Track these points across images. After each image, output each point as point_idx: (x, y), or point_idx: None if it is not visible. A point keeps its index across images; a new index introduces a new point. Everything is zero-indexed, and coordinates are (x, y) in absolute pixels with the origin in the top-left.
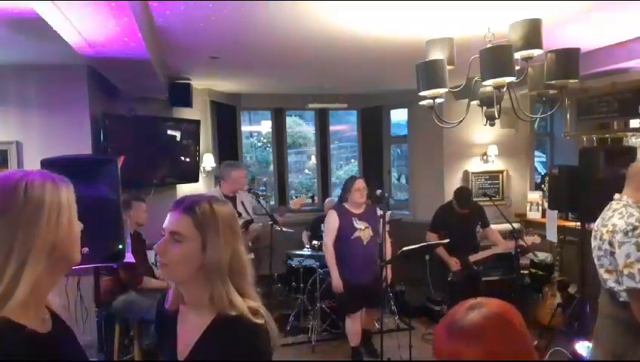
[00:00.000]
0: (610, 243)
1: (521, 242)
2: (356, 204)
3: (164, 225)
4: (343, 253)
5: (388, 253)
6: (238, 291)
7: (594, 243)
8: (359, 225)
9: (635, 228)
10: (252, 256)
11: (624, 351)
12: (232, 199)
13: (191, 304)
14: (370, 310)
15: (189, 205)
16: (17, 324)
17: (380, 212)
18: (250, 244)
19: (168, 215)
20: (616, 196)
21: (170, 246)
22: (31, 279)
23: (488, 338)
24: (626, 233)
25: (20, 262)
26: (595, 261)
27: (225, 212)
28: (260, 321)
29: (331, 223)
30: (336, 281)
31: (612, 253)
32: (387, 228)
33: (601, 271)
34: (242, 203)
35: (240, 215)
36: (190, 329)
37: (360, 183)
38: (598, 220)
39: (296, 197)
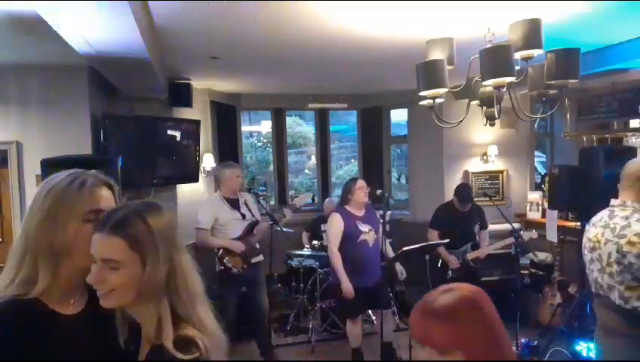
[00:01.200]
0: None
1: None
2: (359, 205)
3: (92, 251)
4: (349, 256)
5: (389, 252)
6: (180, 314)
7: (593, 254)
8: (364, 227)
9: None
10: (261, 257)
11: None
12: (235, 201)
13: (142, 328)
14: (385, 317)
15: (118, 224)
16: (40, 302)
17: (379, 212)
18: (257, 246)
19: (94, 237)
20: (616, 202)
21: (107, 274)
22: (47, 270)
23: (458, 318)
24: None
25: (33, 256)
26: (605, 278)
27: (160, 223)
28: (187, 357)
29: (335, 227)
30: (347, 286)
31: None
32: (386, 228)
33: (620, 287)
34: (246, 204)
35: (244, 216)
36: (141, 357)
37: (362, 182)
38: (597, 230)
39: (295, 197)
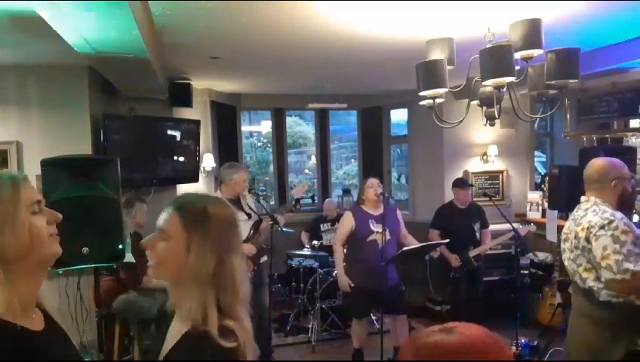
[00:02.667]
0: (587, 240)
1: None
2: (373, 203)
3: (157, 223)
4: (356, 255)
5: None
6: (222, 307)
7: (565, 245)
8: (376, 227)
9: (610, 222)
10: (266, 257)
11: (598, 349)
12: (237, 202)
13: (177, 308)
14: (398, 322)
15: (182, 203)
16: (7, 322)
17: (399, 213)
18: (264, 246)
19: (162, 213)
20: (583, 198)
21: (157, 242)
22: (8, 282)
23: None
24: (602, 226)
25: None
26: (571, 263)
27: (221, 216)
28: (229, 344)
29: (345, 225)
30: (342, 281)
31: (590, 250)
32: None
33: (579, 270)
34: (248, 204)
35: (250, 216)
36: (171, 335)
37: (372, 180)
38: (569, 223)
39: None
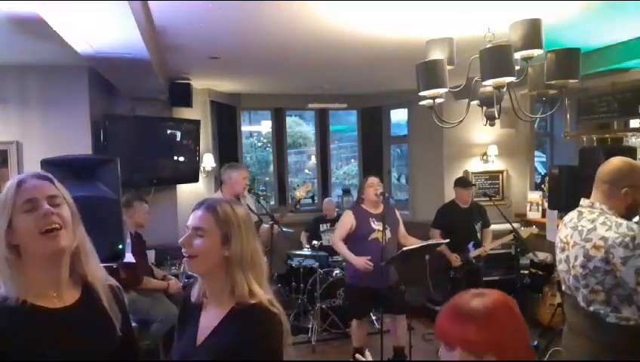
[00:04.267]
0: (607, 261)
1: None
2: (373, 203)
3: (188, 223)
4: (357, 253)
5: (415, 243)
6: (258, 283)
7: (562, 255)
8: (377, 226)
9: (633, 238)
10: (265, 259)
11: None
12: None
13: (212, 296)
14: (398, 322)
15: (211, 204)
16: (23, 301)
17: (398, 213)
18: (264, 248)
19: (191, 214)
20: (585, 202)
21: (194, 239)
22: (24, 268)
23: (495, 322)
24: (625, 246)
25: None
26: (574, 281)
27: (243, 212)
28: (275, 311)
29: (344, 223)
30: (358, 261)
31: (608, 271)
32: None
33: (584, 291)
34: (248, 205)
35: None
36: (209, 318)
37: (373, 179)
38: (569, 231)
39: (295, 188)
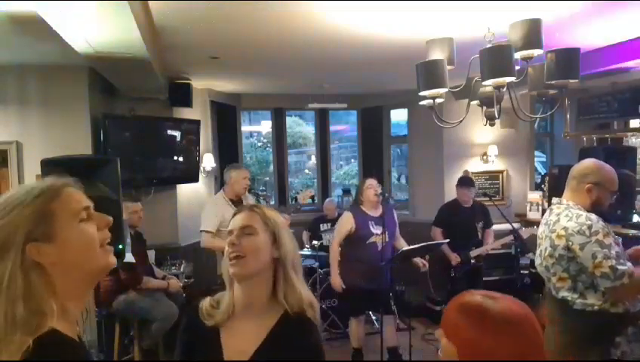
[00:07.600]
0: (568, 248)
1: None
2: (372, 204)
3: (232, 226)
4: (355, 255)
5: (404, 245)
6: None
7: (538, 251)
8: (376, 229)
9: (589, 227)
10: None
11: (574, 359)
12: (239, 202)
13: (252, 304)
14: (386, 321)
15: (253, 205)
16: (65, 336)
17: (396, 214)
18: None
19: (234, 218)
20: (555, 200)
21: (242, 239)
22: (61, 293)
23: (520, 330)
24: (582, 233)
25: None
26: (544, 271)
27: (274, 211)
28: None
29: (343, 226)
30: (335, 282)
31: (570, 258)
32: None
33: (553, 279)
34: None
35: None
36: (251, 328)
37: (371, 181)
38: (542, 228)
39: (298, 192)
